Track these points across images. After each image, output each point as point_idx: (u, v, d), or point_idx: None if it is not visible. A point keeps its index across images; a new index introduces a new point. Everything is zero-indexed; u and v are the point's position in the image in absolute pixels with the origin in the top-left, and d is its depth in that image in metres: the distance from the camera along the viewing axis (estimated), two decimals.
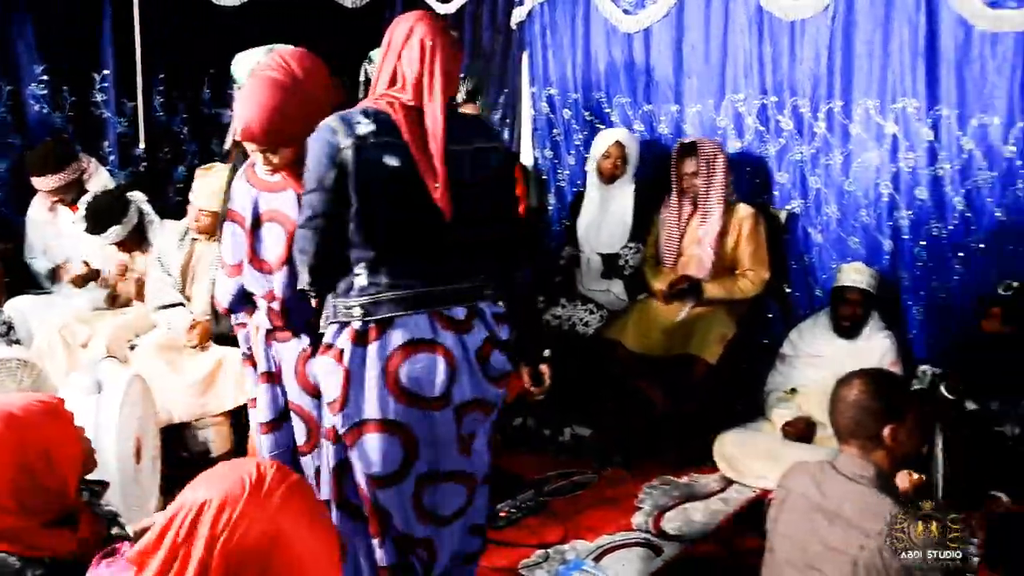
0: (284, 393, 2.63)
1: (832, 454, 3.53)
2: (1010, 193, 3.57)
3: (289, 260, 2.43)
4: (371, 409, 2.22)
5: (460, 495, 2.37)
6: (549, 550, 3.27)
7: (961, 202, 3.71)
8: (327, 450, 2.34)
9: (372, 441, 2.23)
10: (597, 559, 3.22)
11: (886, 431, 2.15)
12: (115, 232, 3.82)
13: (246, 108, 2.35)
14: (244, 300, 2.64)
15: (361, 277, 2.23)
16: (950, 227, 3.78)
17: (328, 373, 2.25)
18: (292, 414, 2.62)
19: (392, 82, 2.25)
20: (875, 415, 2.15)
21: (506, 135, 5.11)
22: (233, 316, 2.74)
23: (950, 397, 3.36)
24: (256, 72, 2.43)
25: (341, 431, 2.25)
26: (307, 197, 2.22)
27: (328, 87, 2.50)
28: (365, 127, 2.18)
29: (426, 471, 2.29)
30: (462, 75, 3.08)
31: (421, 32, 2.22)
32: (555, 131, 4.96)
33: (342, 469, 2.32)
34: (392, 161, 2.18)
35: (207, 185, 3.70)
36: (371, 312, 2.22)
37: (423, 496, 2.30)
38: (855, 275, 3.84)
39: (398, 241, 2.23)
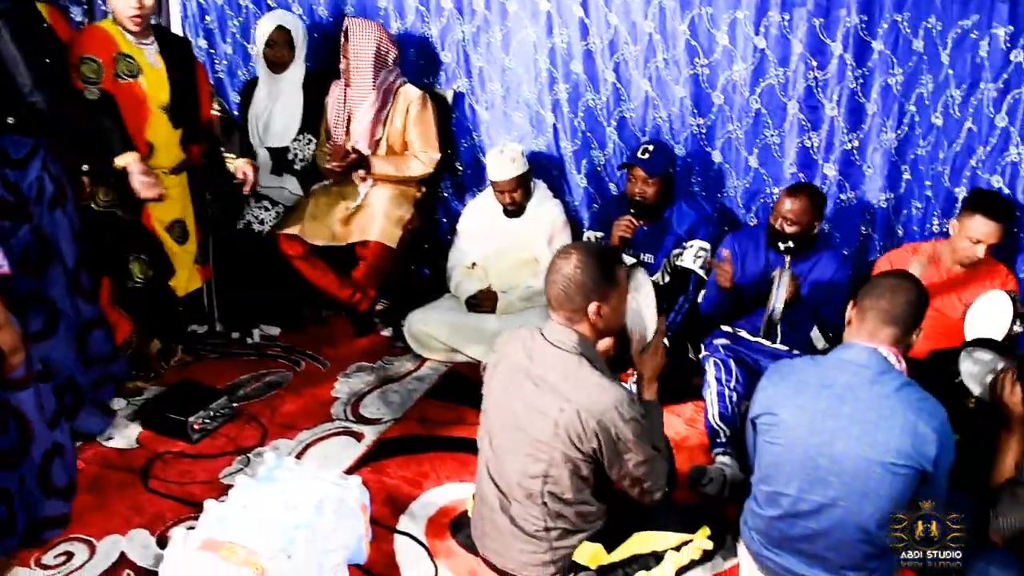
0: None
1: (514, 321, 3.76)
2: (651, 65, 3.85)
3: None
4: None
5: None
6: (249, 455, 3.20)
7: (612, 75, 3.95)
8: None
9: None
10: (299, 456, 3.20)
11: (591, 307, 2.29)
12: None
13: None
14: None
15: None
16: (604, 98, 4.02)
17: None
18: None
19: None
20: (584, 291, 2.28)
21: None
22: None
23: None
24: None
25: None
26: None
27: None
28: None
29: None
30: None
31: None
32: (208, 18, 4.59)
33: None
34: None
35: None
36: None
37: None
38: (501, 168, 3.89)
39: None
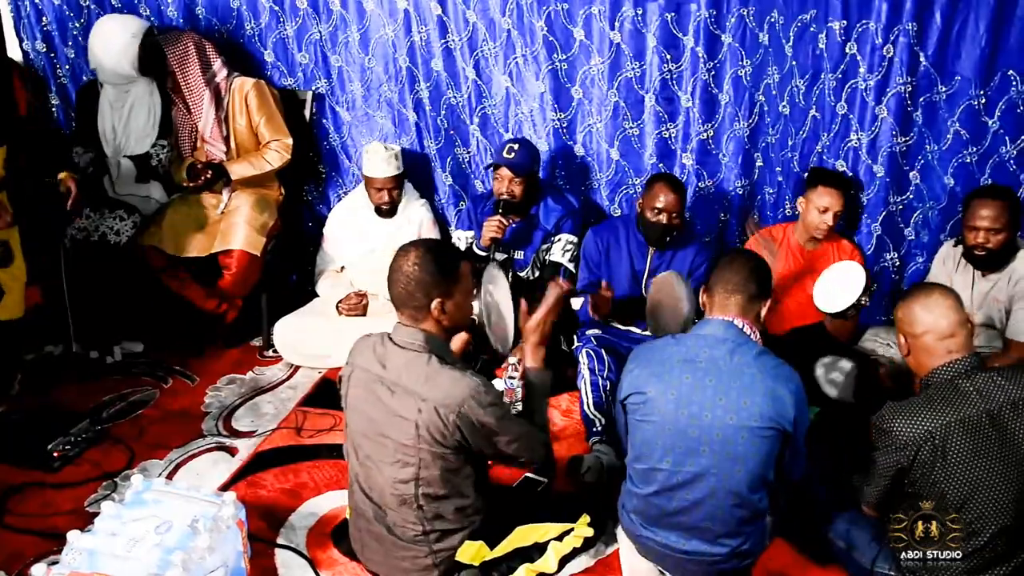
0: None
1: (385, 323, 3.72)
2: (511, 61, 3.88)
3: None
4: None
5: None
6: (116, 479, 3.07)
7: (472, 72, 3.96)
8: None
9: None
10: (170, 476, 3.09)
11: (434, 304, 2.29)
12: None
13: None
14: None
15: None
16: (466, 96, 4.03)
17: None
18: None
19: None
20: (424, 288, 2.28)
21: None
22: None
23: (481, 253, 3.67)
24: None
25: None
26: None
27: None
28: None
29: None
30: None
31: None
32: (44, 20, 4.34)
33: None
34: None
35: None
36: None
37: None
38: (382, 166, 3.84)
39: None
